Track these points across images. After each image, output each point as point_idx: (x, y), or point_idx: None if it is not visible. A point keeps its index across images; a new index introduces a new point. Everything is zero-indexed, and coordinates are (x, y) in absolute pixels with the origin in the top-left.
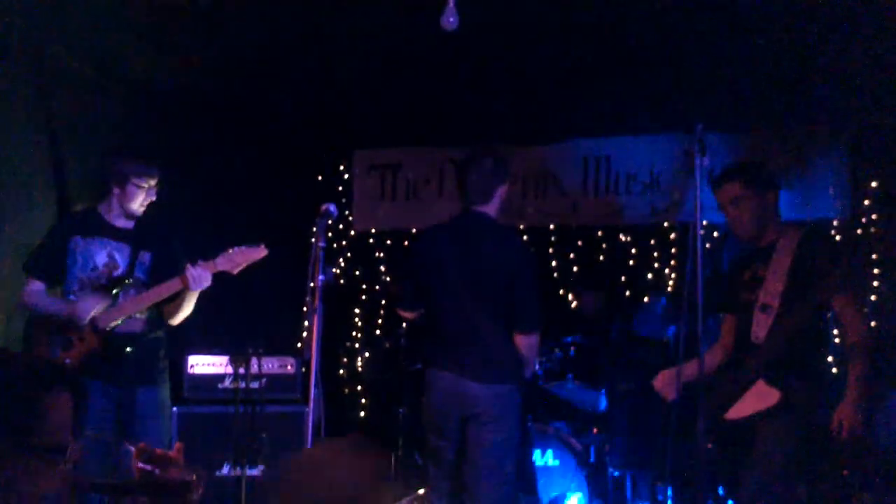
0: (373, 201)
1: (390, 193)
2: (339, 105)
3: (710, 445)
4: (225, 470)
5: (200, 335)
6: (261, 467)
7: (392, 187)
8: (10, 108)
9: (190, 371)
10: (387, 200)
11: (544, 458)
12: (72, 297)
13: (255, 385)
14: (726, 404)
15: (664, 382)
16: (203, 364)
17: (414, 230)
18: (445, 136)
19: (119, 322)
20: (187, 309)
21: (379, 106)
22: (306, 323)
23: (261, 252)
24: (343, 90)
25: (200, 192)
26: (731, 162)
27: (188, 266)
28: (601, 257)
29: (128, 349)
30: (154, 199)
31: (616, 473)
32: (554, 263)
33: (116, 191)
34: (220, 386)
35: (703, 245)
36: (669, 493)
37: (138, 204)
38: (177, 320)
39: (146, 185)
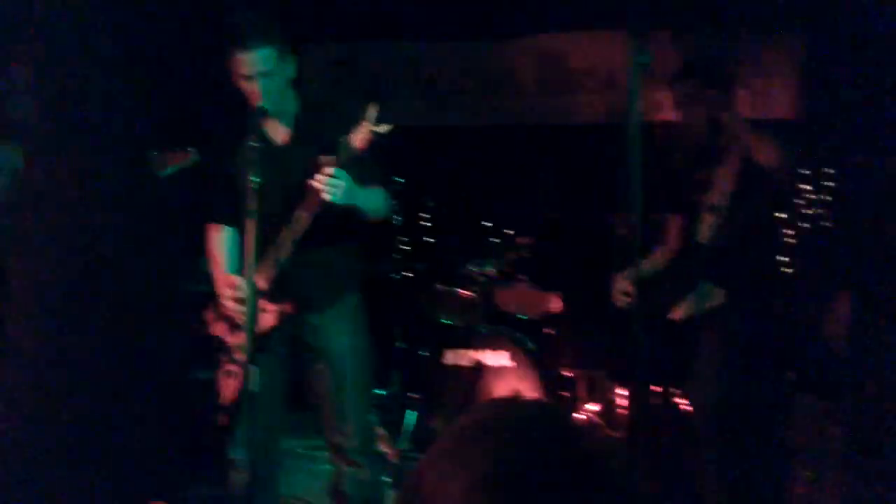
0: None
1: (343, 90)
2: None
3: (657, 345)
4: None
5: None
6: None
7: (345, 83)
8: None
9: None
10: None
11: (498, 360)
12: None
13: None
14: (671, 304)
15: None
16: None
17: None
18: (401, 31)
19: None
20: None
21: None
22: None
23: (187, 156)
24: None
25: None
26: (685, 60)
27: None
28: (555, 158)
29: None
30: None
31: (568, 374)
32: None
33: None
34: None
35: (653, 145)
36: (619, 393)
37: None
38: None
39: None
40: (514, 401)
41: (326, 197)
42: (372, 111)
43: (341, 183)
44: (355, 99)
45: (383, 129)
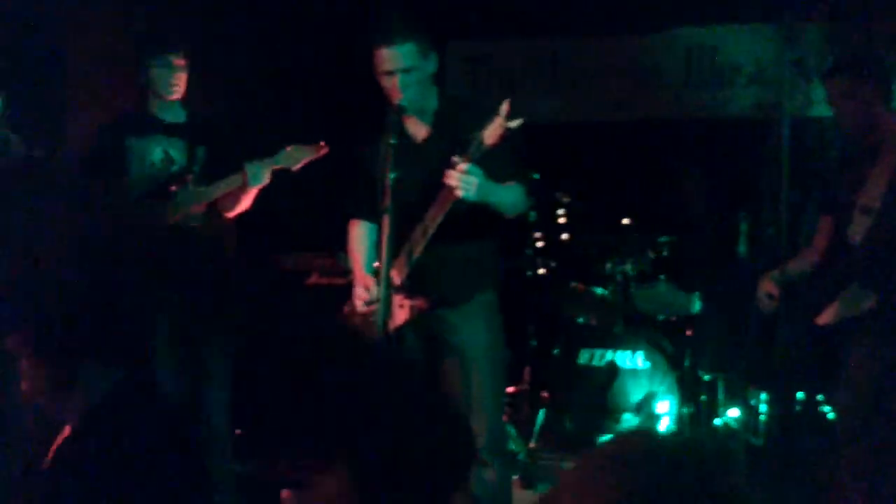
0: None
1: (483, 87)
2: None
3: (802, 350)
4: None
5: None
6: None
7: (485, 81)
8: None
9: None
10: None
11: (634, 361)
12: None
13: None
14: (818, 308)
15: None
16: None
17: None
18: (543, 27)
19: (179, 218)
20: (245, 203)
21: None
22: None
23: (321, 150)
24: None
25: (265, 85)
26: (840, 53)
27: (247, 162)
28: (700, 154)
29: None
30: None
31: (707, 377)
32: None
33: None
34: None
35: (806, 143)
36: (762, 398)
37: (170, 87)
38: (232, 213)
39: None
40: (655, 435)
41: (459, 193)
42: (504, 106)
43: (474, 179)
44: (494, 95)
45: (515, 124)
